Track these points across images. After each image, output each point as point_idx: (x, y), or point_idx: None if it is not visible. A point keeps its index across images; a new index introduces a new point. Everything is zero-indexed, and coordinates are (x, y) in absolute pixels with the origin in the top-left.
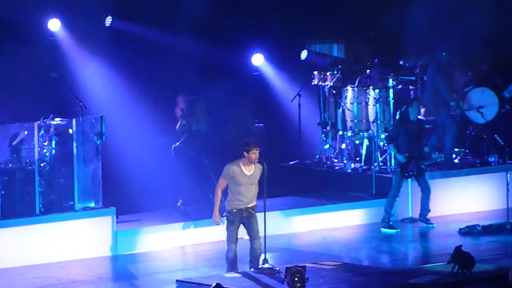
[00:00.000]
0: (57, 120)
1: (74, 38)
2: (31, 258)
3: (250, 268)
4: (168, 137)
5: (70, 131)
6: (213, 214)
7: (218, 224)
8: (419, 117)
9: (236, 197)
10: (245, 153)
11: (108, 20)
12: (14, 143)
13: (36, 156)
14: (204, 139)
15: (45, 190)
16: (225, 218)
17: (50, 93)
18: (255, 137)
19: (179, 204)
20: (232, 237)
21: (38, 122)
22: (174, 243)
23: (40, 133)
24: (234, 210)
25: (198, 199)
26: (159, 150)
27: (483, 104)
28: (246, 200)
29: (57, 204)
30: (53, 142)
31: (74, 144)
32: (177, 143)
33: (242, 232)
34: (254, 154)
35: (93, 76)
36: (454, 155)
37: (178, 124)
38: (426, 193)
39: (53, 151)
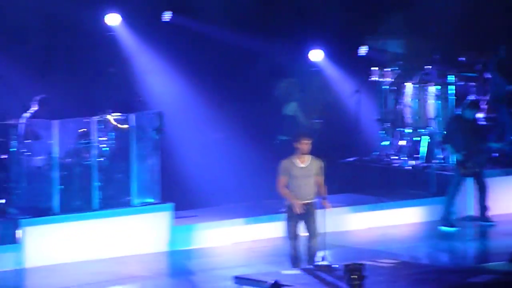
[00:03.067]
0: (116, 115)
1: (133, 33)
2: (89, 253)
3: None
4: (225, 133)
5: (126, 126)
6: (294, 206)
7: (303, 211)
8: (478, 115)
9: (292, 191)
10: (295, 144)
11: (167, 15)
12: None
13: (95, 151)
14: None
15: (103, 185)
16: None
17: (108, 88)
18: (313, 132)
19: None
20: (290, 233)
21: (97, 117)
22: (231, 239)
23: (98, 128)
24: (290, 204)
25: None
26: (217, 146)
27: None
28: (302, 195)
29: (115, 199)
30: (112, 137)
31: (133, 139)
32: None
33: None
34: (303, 144)
35: (152, 71)
36: None
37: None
38: (483, 190)
39: (112, 146)
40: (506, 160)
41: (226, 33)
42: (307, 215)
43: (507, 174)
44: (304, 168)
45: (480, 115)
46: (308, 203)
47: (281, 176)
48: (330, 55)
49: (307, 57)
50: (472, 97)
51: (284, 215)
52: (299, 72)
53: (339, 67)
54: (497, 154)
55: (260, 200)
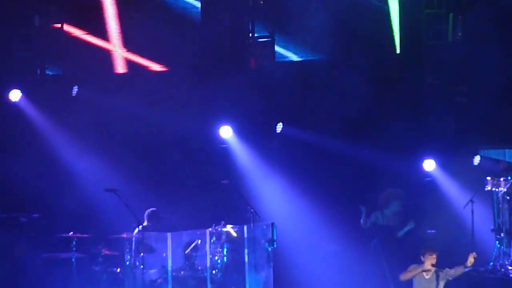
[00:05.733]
0: (229, 227)
1: (245, 144)
2: None
3: None
4: (337, 242)
5: (234, 234)
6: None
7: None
8: None
9: None
10: (421, 257)
11: (279, 127)
12: (187, 251)
13: (208, 264)
14: (390, 237)
15: None
16: None
17: (221, 200)
18: (428, 244)
19: None
20: None
21: (210, 229)
22: None
23: (212, 240)
24: None
25: None
26: (330, 256)
27: None
28: None
29: None
30: (225, 249)
31: (246, 251)
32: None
33: None
34: (428, 259)
35: (264, 183)
36: None
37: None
38: None
39: (225, 258)
40: None
41: (338, 144)
42: None
43: None
44: (427, 279)
45: None
46: None
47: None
48: (443, 164)
49: (421, 166)
50: None
51: None
52: (412, 182)
53: (453, 176)
54: None
55: None
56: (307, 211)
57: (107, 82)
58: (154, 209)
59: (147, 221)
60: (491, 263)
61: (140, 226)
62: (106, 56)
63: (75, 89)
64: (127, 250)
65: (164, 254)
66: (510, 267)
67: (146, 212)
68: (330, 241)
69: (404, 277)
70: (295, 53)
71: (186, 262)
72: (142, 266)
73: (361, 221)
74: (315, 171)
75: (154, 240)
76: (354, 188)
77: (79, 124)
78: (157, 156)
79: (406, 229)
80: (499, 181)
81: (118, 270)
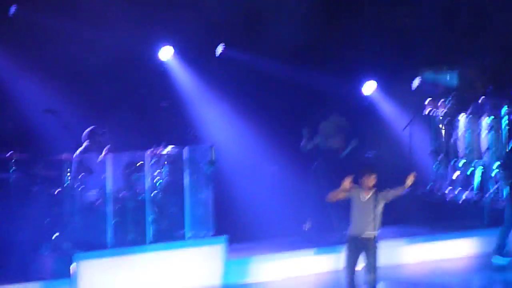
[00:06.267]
0: (169, 149)
1: (185, 66)
2: (142, 286)
3: None
4: (278, 164)
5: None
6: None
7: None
8: None
9: (352, 223)
10: (360, 178)
11: (220, 49)
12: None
13: (148, 185)
14: (332, 159)
15: (156, 218)
16: None
17: (161, 121)
18: (366, 165)
19: (306, 227)
20: (345, 264)
21: (150, 150)
22: (286, 273)
23: (151, 162)
24: (350, 237)
25: (320, 225)
26: (270, 178)
27: None
28: (360, 228)
29: (168, 233)
30: (164, 171)
31: (186, 172)
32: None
33: None
34: (367, 180)
35: (204, 105)
36: None
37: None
38: None
39: (164, 179)
40: None
41: (280, 67)
42: (367, 249)
43: None
44: (366, 201)
45: None
46: (366, 237)
47: (339, 191)
48: (383, 87)
49: (360, 89)
50: None
51: (344, 247)
52: (352, 104)
53: (392, 99)
54: None
55: (315, 232)
56: (248, 134)
57: (44, 2)
58: (92, 127)
59: (88, 141)
60: (429, 185)
61: (82, 147)
62: None
63: (13, 9)
64: (66, 171)
65: (103, 176)
66: (447, 189)
67: (85, 132)
68: (271, 163)
69: (329, 198)
70: None
71: (126, 184)
72: (81, 188)
73: (302, 143)
74: (257, 94)
75: (94, 161)
76: (295, 111)
77: (16, 45)
78: (96, 77)
79: (348, 148)
80: (438, 103)
81: (57, 191)
